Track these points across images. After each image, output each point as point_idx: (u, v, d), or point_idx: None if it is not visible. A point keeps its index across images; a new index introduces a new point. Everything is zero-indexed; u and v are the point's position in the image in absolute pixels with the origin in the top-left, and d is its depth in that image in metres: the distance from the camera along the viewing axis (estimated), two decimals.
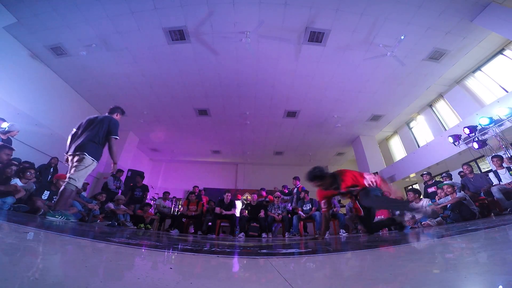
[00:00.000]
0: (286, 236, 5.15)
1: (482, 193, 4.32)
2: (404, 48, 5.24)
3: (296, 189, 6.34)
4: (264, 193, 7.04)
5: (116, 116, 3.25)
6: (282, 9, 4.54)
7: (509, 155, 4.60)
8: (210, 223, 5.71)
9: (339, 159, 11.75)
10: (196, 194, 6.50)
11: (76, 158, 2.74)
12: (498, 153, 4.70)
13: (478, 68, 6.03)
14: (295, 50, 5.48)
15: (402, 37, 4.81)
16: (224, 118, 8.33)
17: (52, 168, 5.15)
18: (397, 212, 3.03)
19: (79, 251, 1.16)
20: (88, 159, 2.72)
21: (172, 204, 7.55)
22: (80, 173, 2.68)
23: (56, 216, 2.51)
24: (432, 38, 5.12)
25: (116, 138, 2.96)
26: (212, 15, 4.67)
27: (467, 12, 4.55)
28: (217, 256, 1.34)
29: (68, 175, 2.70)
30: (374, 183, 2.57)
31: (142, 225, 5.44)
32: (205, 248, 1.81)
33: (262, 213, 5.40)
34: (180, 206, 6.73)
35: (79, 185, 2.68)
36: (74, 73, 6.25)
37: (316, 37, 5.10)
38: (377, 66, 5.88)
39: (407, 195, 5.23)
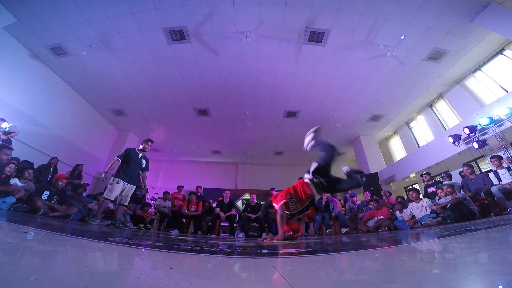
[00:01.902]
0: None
1: (482, 193, 4.31)
2: (404, 48, 5.24)
3: None
4: (274, 193, 7.00)
5: (140, 145, 4.60)
6: (282, 9, 4.54)
7: (509, 155, 4.59)
8: (210, 223, 5.71)
9: (339, 159, 11.72)
10: (198, 194, 6.51)
11: None
12: (498, 153, 4.70)
13: (478, 68, 6.03)
14: (295, 50, 5.47)
15: (402, 37, 4.80)
16: (224, 118, 8.33)
17: (52, 168, 5.14)
18: None
19: (79, 251, 1.17)
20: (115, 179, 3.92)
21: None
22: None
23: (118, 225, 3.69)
24: (432, 38, 5.12)
25: (115, 158, 4.06)
26: (212, 15, 4.67)
27: (467, 12, 4.54)
28: (217, 256, 1.34)
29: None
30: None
31: (142, 225, 5.44)
32: (205, 248, 1.81)
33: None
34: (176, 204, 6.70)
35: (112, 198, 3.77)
36: (74, 73, 6.24)
37: (316, 37, 5.10)
38: (377, 66, 5.88)
39: (407, 195, 5.23)
